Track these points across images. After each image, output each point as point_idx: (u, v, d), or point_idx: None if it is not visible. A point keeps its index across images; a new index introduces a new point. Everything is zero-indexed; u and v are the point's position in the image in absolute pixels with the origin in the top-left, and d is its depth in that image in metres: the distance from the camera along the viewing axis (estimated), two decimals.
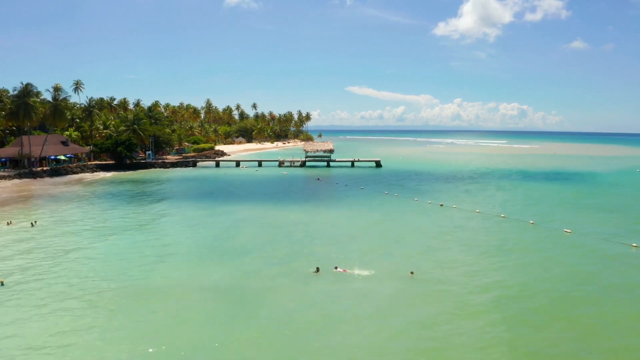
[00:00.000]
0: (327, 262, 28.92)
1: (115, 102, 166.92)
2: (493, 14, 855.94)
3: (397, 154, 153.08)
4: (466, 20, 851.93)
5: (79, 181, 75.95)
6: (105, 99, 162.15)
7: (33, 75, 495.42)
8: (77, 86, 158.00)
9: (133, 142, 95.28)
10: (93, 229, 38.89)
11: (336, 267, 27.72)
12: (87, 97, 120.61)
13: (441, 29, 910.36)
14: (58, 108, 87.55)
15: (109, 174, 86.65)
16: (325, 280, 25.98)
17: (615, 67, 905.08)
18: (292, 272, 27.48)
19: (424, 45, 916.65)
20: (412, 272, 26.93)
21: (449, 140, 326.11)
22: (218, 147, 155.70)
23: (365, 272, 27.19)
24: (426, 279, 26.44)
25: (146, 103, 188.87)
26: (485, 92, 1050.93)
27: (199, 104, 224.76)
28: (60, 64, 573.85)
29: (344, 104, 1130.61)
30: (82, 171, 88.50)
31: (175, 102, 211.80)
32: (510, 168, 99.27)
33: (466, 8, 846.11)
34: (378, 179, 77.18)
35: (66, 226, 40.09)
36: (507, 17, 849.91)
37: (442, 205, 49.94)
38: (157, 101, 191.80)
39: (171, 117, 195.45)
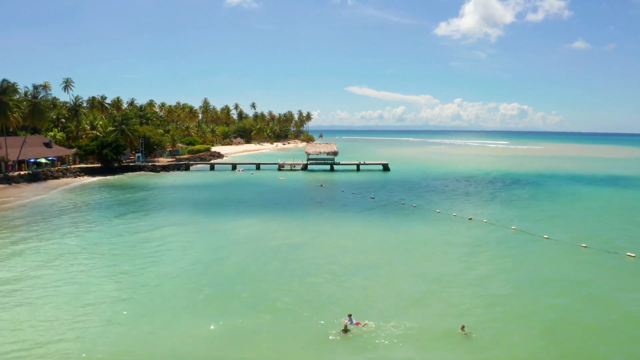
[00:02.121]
0: (344, 306, 21.76)
1: (107, 101, 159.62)
2: (495, 14, 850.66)
3: (402, 156, 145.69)
4: (468, 20, 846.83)
5: (58, 187, 68.64)
6: (96, 97, 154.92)
7: (33, 75, 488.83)
8: (67, 84, 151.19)
9: (120, 144, 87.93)
10: (48, 254, 31.48)
11: (350, 316, 20.43)
12: (72, 95, 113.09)
13: (442, 29, 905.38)
14: (37, 107, 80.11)
15: (93, 179, 79.33)
16: (350, 346, 18.58)
17: (616, 67, 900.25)
18: (300, 329, 20.10)
19: (424, 46, 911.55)
20: (462, 327, 19.65)
21: (452, 141, 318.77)
22: (214, 149, 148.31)
23: (401, 327, 19.84)
24: (485, 338, 19.13)
25: (143, 102, 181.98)
26: (485, 92, 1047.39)
27: (198, 104, 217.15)
28: (60, 64, 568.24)
29: (344, 104, 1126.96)
30: (64, 175, 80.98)
31: (174, 102, 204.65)
32: (528, 171, 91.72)
33: (468, 8, 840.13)
34: (388, 185, 69.79)
35: (21, 249, 32.72)
36: (508, 17, 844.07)
37: (470, 219, 42.65)
38: (152, 100, 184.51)
39: (167, 117, 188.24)
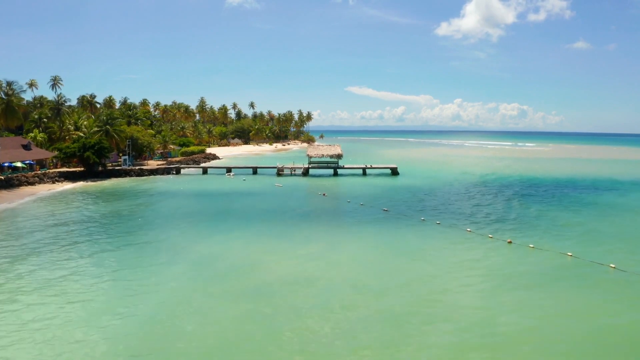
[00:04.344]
0: None
1: (98, 100, 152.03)
2: (496, 14, 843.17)
3: (409, 158, 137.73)
4: (469, 21, 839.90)
5: (32, 195, 60.98)
6: (86, 96, 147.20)
7: (33, 75, 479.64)
8: (55, 82, 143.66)
9: (104, 146, 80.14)
10: None
11: None
12: (55, 94, 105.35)
13: (444, 29, 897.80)
14: (10, 105, 72.39)
15: (71, 185, 71.61)
16: None
17: (617, 66, 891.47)
18: None
19: (425, 46, 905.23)
20: None
21: (455, 142, 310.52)
22: (210, 150, 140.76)
23: None
24: None
25: (140, 102, 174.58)
26: (485, 92, 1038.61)
27: (196, 103, 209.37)
28: (59, 64, 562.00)
29: (344, 104, 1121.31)
30: (41, 181, 73.19)
31: (173, 102, 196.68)
32: (552, 176, 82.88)
33: (469, 8, 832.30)
34: (400, 193, 61.87)
35: None
36: (510, 17, 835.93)
37: (510, 242, 34.90)
38: (145, 99, 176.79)
39: (163, 117, 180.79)
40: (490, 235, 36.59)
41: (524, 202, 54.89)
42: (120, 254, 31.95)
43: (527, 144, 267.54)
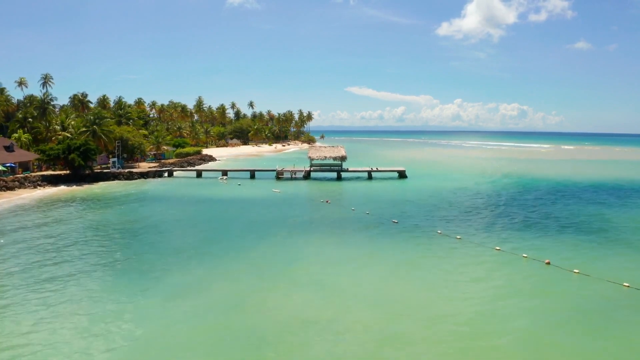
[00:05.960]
0: None
1: (91, 99, 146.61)
2: (497, 14, 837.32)
3: (414, 159, 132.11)
4: (470, 21, 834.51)
5: (8, 201, 55.80)
6: (77, 95, 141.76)
7: (32, 75, 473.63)
8: (46, 81, 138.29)
9: (90, 147, 74.83)
10: None
11: None
12: (41, 92, 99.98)
13: (444, 29, 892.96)
14: None
15: (53, 190, 66.44)
16: None
17: (618, 67, 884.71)
18: None
19: (425, 46, 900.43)
20: None
21: (459, 142, 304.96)
22: (207, 151, 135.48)
23: None
24: None
25: (134, 101, 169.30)
26: (485, 93, 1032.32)
27: (194, 103, 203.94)
28: (59, 64, 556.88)
29: (344, 104, 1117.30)
30: (22, 185, 67.91)
31: (171, 102, 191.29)
32: (575, 180, 76.07)
33: (470, 8, 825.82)
34: (411, 200, 56.33)
35: None
36: (511, 17, 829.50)
37: (548, 263, 29.58)
38: (141, 98, 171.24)
39: (159, 117, 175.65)
40: (524, 255, 31.22)
41: (556, 211, 48.60)
42: (84, 281, 26.61)
43: (530, 145, 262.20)
